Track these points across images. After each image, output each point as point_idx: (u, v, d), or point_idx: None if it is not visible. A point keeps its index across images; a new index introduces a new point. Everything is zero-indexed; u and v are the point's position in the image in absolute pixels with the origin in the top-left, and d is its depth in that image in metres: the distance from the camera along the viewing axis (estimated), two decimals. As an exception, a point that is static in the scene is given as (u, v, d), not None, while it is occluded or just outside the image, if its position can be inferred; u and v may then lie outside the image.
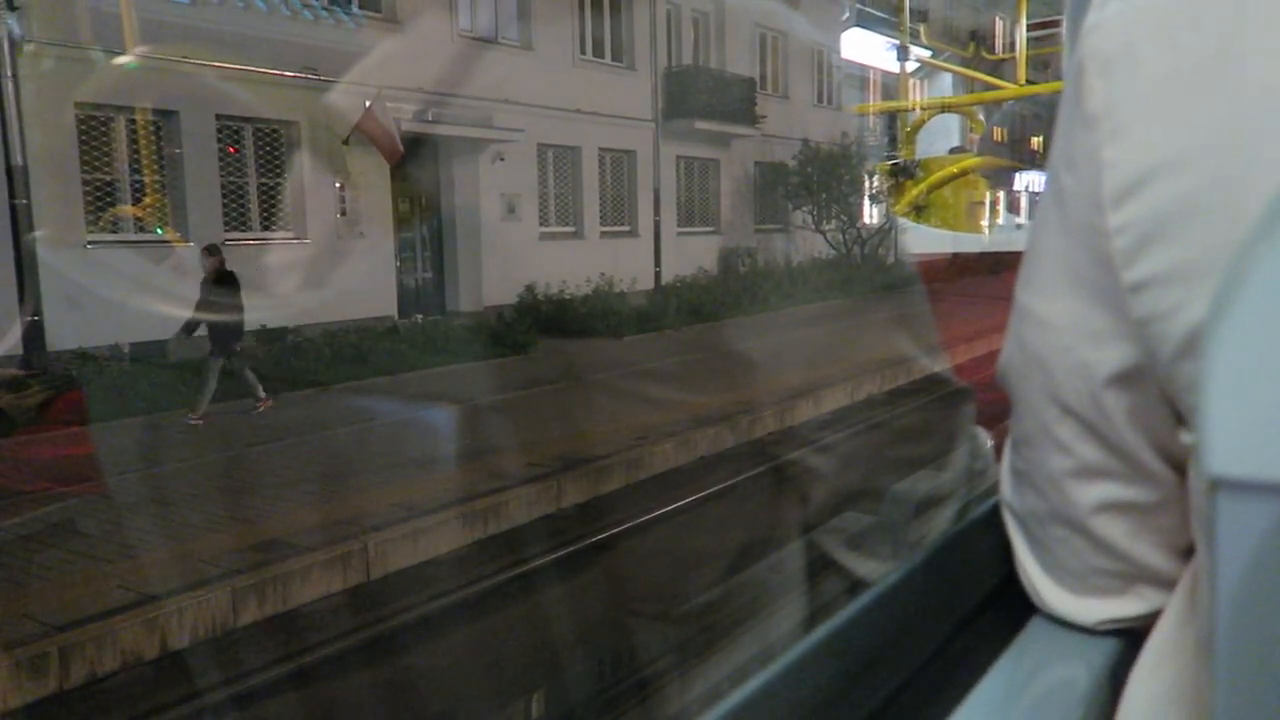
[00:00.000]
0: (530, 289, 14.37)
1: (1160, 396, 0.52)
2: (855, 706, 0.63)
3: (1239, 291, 0.36)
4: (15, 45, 9.17)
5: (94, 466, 6.72)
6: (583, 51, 16.52)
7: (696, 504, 6.35)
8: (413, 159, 13.10)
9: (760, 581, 4.57)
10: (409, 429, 8.18)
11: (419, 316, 13.01)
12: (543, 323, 12.96)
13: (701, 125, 18.08)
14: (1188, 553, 0.59)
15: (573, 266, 15.30)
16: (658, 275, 17.52)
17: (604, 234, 17.07)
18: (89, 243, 10.20)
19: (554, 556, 5.39)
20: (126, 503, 5.84)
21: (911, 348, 11.29)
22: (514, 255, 14.60)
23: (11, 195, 9.18)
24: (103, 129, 10.44)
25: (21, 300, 9.25)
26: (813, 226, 20.43)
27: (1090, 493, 0.59)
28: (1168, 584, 0.61)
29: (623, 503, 6.34)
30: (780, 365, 10.71)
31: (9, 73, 9.07)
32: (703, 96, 18.15)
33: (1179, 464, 0.56)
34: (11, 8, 9.05)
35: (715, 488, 6.64)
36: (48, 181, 9.61)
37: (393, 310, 13.21)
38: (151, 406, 8.29)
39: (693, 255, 18.32)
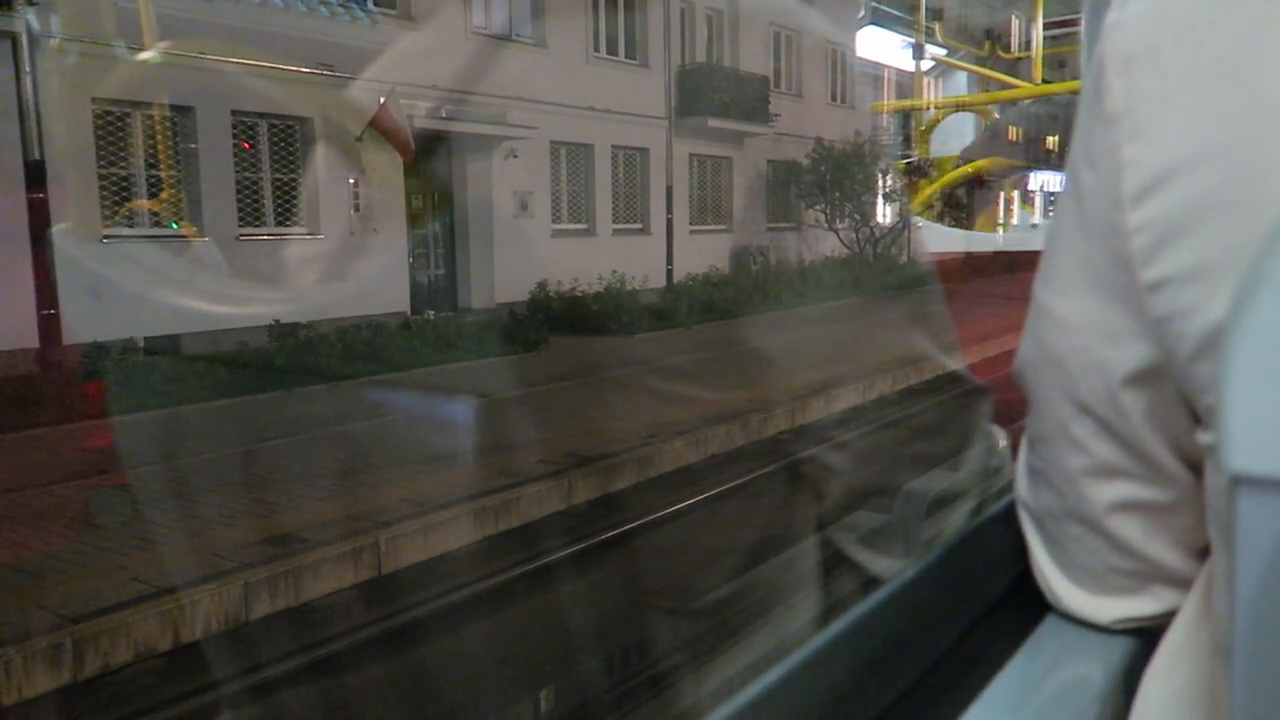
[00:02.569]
0: (542, 286, 14.38)
1: (1177, 396, 0.52)
2: (870, 702, 0.64)
3: (1259, 290, 0.37)
4: (34, 41, 9.23)
5: (111, 458, 6.77)
6: (596, 49, 16.51)
7: (707, 502, 6.35)
8: (426, 155, 13.12)
9: (771, 579, 4.56)
10: (421, 425, 8.21)
11: (431, 313, 13.04)
12: (554, 320, 12.97)
13: (715, 123, 18.05)
14: (1203, 553, 0.60)
15: (585, 264, 15.30)
16: (669, 273, 17.50)
17: (616, 231, 17.07)
18: (105, 236, 10.26)
19: (565, 553, 5.40)
20: (142, 495, 5.88)
21: (924, 347, 11.25)
22: (526, 252, 14.62)
23: (30, 190, 9.24)
24: (120, 124, 10.51)
25: (40, 294, 9.31)
26: (825, 225, 20.38)
27: (1106, 492, 0.60)
28: (1183, 584, 0.61)
29: (634, 500, 6.34)
30: (792, 363, 10.70)
31: (27, 68, 9.13)
32: (716, 94, 18.12)
33: (1195, 464, 0.56)
34: (30, 3, 9.11)
35: (726, 485, 6.63)
36: (65, 176, 9.68)
37: (405, 306, 13.24)
38: (165, 400, 8.34)
39: (705, 253, 18.29)
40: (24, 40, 9.09)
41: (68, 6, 9.65)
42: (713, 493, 6.48)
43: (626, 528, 5.83)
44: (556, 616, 4.78)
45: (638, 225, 17.65)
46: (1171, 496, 0.58)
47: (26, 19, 9.10)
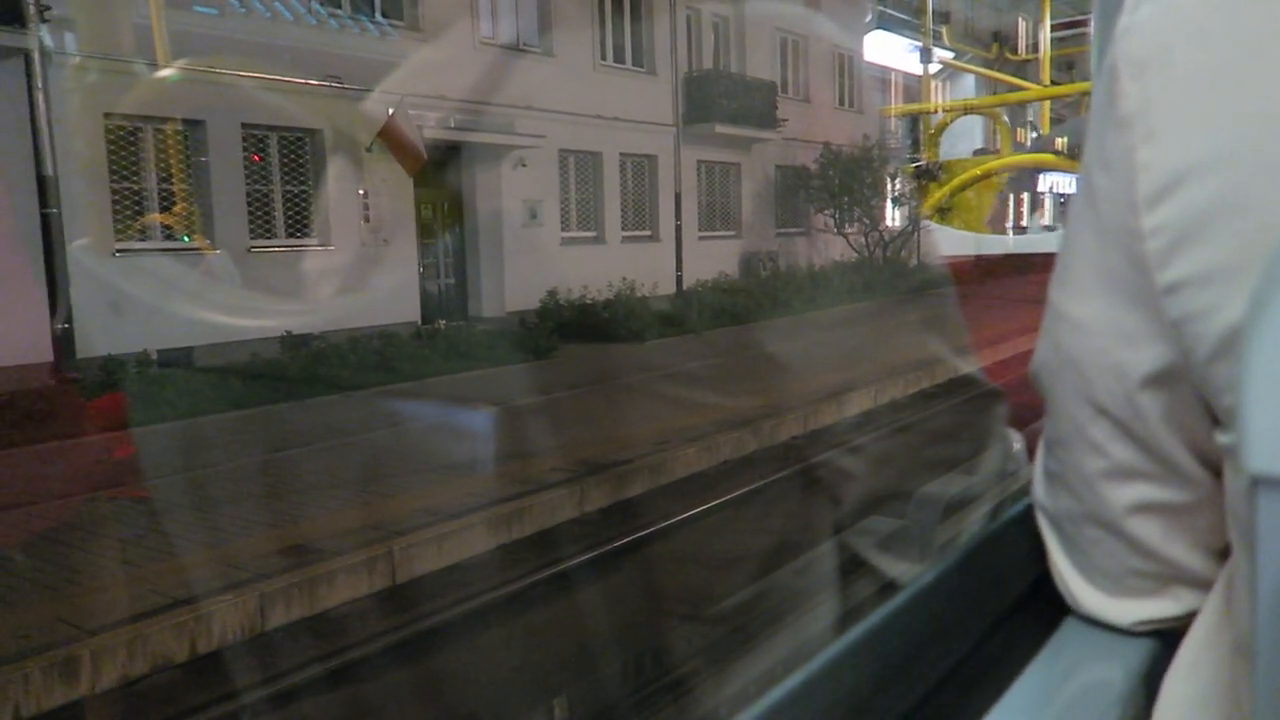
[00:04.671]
0: (552, 294, 14.41)
1: (1195, 397, 0.52)
2: (890, 707, 0.64)
3: (1277, 291, 0.37)
4: (47, 57, 9.31)
5: (126, 471, 6.81)
6: (603, 57, 16.56)
7: (721, 508, 6.33)
8: (436, 166, 13.18)
9: (785, 585, 4.55)
10: (432, 434, 8.22)
11: (442, 322, 13.09)
12: (565, 327, 12.99)
13: (722, 129, 18.08)
14: (1223, 554, 0.59)
15: (594, 271, 15.33)
16: (679, 279, 17.52)
17: (625, 238, 17.09)
18: (118, 251, 10.33)
19: (580, 560, 5.39)
20: (159, 506, 5.91)
21: (935, 350, 11.22)
22: (536, 260, 14.65)
23: (43, 205, 9.32)
24: (132, 139, 10.59)
25: (53, 308, 9.38)
26: (834, 229, 20.36)
27: (1125, 494, 0.60)
28: (1203, 585, 0.61)
29: (647, 507, 6.34)
30: (803, 368, 10.68)
31: (40, 84, 9.22)
32: (723, 101, 18.15)
33: (1214, 465, 0.56)
34: (43, 19, 9.19)
35: (740, 491, 6.62)
36: (78, 191, 9.75)
37: (416, 316, 13.28)
38: (179, 412, 8.38)
39: (714, 259, 18.30)
40: (37, 56, 9.17)
41: (81, 23, 9.74)
42: (726, 499, 6.46)
43: (640, 534, 5.82)
44: (573, 623, 4.78)
45: (647, 232, 17.67)
46: (1190, 498, 0.58)
47: (40, 35, 9.18)
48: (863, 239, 20.69)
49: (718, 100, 18.04)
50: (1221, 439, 0.49)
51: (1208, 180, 0.46)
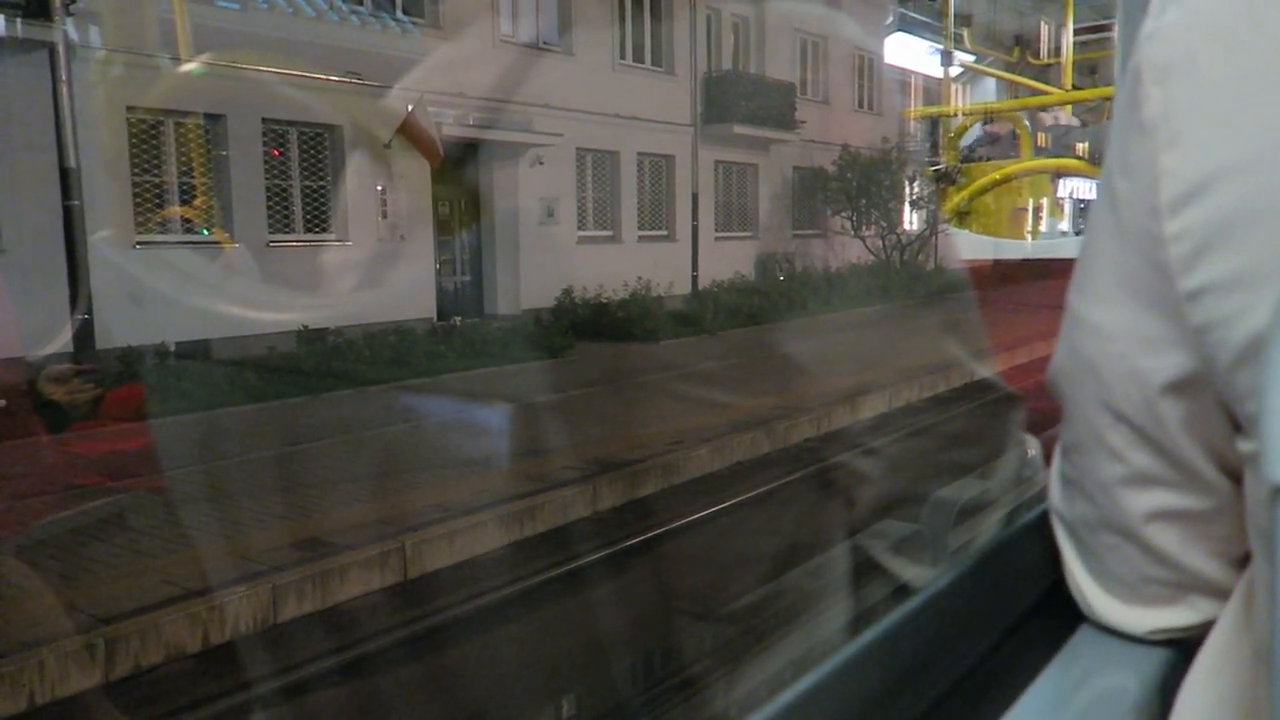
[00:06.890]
0: (568, 292, 14.42)
1: (1216, 404, 0.52)
2: (902, 712, 0.63)
3: (1302, 299, 0.36)
4: (71, 50, 9.40)
5: (142, 462, 6.86)
6: (623, 57, 16.56)
7: (732, 509, 6.32)
8: (453, 163, 13.22)
9: (796, 588, 4.54)
10: (446, 430, 8.25)
11: (458, 319, 13.13)
12: (580, 326, 13.00)
13: (740, 130, 18.05)
14: (1242, 562, 0.59)
15: (610, 270, 15.33)
16: (695, 280, 17.51)
17: (641, 238, 17.09)
18: (138, 243, 10.42)
19: (592, 558, 5.40)
20: (175, 498, 5.95)
21: (951, 354, 11.16)
22: (552, 258, 14.67)
23: (65, 196, 9.40)
24: (153, 132, 10.67)
25: (73, 300, 9.46)
26: (851, 232, 20.29)
27: (1143, 501, 0.59)
28: (1221, 594, 0.60)
29: (659, 507, 6.33)
30: (817, 371, 10.65)
31: (64, 77, 9.30)
32: (742, 101, 18.12)
33: (1234, 472, 0.55)
34: (69, 12, 9.27)
35: (753, 493, 6.61)
36: (100, 183, 9.83)
37: (432, 312, 13.32)
38: (196, 404, 8.44)
39: (730, 259, 18.27)
40: (61, 49, 9.26)
41: (106, 17, 9.82)
42: (739, 500, 6.45)
43: (653, 534, 5.82)
44: (585, 621, 4.78)
45: (663, 232, 17.67)
46: (1209, 505, 0.57)
47: (65, 29, 9.26)
48: (880, 242, 20.61)
49: (736, 101, 18.00)
50: (1243, 446, 0.49)
51: (1231, 186, 0.46)
